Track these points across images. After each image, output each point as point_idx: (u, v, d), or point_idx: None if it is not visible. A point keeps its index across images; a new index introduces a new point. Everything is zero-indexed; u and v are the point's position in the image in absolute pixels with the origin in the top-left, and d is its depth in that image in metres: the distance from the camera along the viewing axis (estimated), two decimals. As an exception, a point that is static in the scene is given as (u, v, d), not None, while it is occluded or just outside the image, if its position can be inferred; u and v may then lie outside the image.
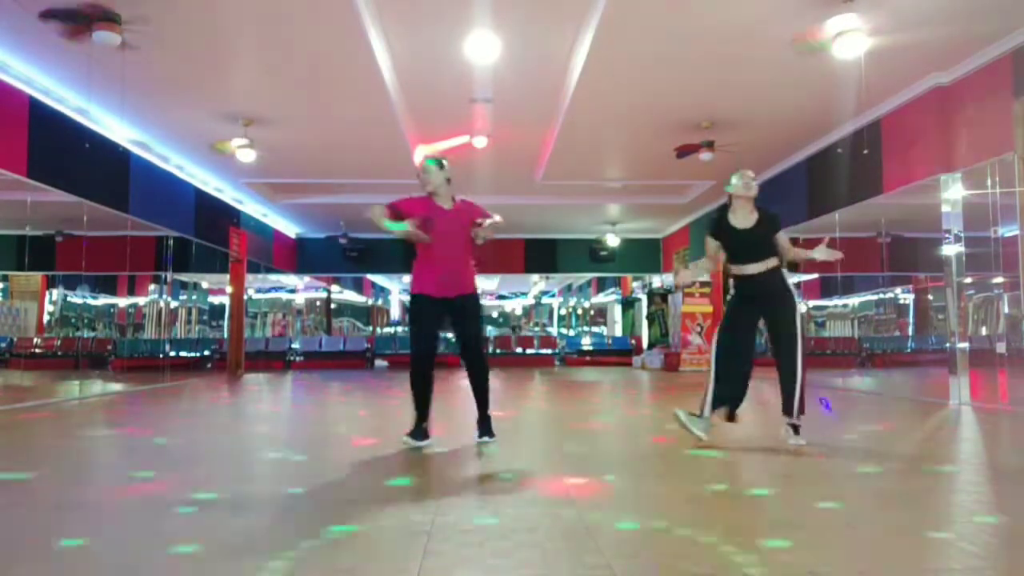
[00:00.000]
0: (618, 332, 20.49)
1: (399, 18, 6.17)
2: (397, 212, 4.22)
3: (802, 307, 4.29)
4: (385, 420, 5.93)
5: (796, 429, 4.18)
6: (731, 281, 4.34)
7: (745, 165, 11.10)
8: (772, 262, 4.23)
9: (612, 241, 16.05)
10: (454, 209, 4.29)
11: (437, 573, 1.95)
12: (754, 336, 4.40)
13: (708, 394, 4.26)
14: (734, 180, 4.33)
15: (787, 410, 4.20)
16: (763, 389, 9.00)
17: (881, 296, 8.91)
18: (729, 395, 4.26)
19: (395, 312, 28.05)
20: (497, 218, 4.23)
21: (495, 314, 31.28)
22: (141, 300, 11.20)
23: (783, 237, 4.30)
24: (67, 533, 2.37)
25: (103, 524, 2.55)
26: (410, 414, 4.20)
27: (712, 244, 4.36)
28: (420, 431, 4.16)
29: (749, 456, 4.01)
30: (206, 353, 13.02)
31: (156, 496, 2.96)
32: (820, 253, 4.34)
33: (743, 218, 4.27)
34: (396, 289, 27.35)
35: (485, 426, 4.31)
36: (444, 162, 4.43)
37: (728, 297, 4.33)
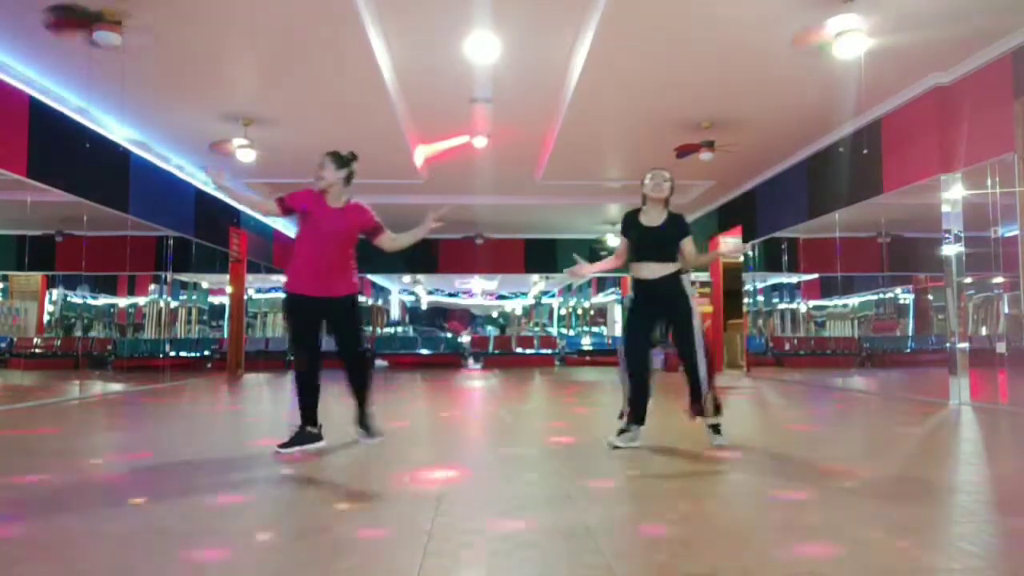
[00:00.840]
0: (618, 332, 20.47)
1: (399, 18, 6.17)
2: (285, 205, 4.14)
3: (698, 309, 4.29)
4: (385, 421, 5.93)
5: (717, 428, 4.21)
6: (631, 283, 4.32)
7: (745, 165, 11.20)
8: (672, 267, 4.20)
9: (612, 241, 16.03)
10: (343, 210, 4.13)
11: (437, 573, 1.95)
12: (651, 343, 4.34)
13: (627, 406, 4.22)
14: (647, 179, 4.31)
15: (696, 410, 4.21)
16: (763, 390, 9.01)
17: (881, 296, 8.89)
18: (641, 404, 4.21)
19: (395, 312, 28.06)
20: (429, 225, 4.17)
21: (495, 314, 31.27)
22: (141, 300, 11.19)
23: (689, 243, 4.26)
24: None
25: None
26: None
27: (621, 242, 4.37)
28: (307, 435, 4.04)
29: (751, 456, 4.01)
30: (206, 353, 13.02)
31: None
32: (726, 249, 4.36)
33: (653, 217, 4.26)
34: (396, 289, 27.37)
35: (366, 426, 4.21)
36: (349, 159, 4.24)
37: (627, 302, 4.29)
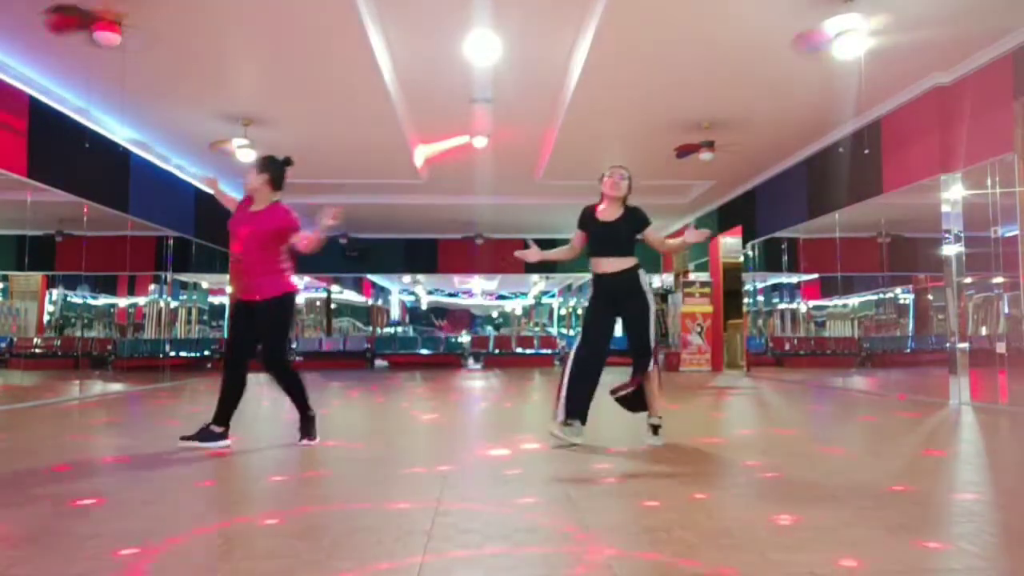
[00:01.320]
0: (618, 332, 20.47)
1: (399, 18, 6.18)
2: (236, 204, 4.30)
3: (654, 308, 4.34)
4: (385, 421, 5.93)
5: (656, 429, 4.25)
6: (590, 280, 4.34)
7: (745, 165, 11.18)
8: (629, 262, 4.22)
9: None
10: (262, 212, 4.15)
11: (437, 573, 1.95)
12: (608, 344, 4.37)
13: (561, 400, 4.21)
14: (604, 176, 4.34)
15: (634, 406, 4.30)
16: (762, 390, 9.01)
17: (881, 296, 8.89)
18: (580, 407, 4.21)
19: (395, 312, 28.05)
20: (323, 228, 4.04)
21: (495, 314, 31.26)
22: (141, 300, 11.19)
23: (651, 232, 4.31)
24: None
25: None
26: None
27: (576, 235, 4.39)
28: (209, 433, 4.07)
29: (750, 456, 4.01)
30: (206, 353, 13.02)
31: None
32: (691, 236, 4.41)
33: (609, 213, 4.29)
34: (396, 289, 27.35)
35: (307, 428, 4.25)
36: (270, 164, 4.25)
37: (589, 299, 4.32)
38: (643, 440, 4.24)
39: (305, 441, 4.24)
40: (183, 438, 4.08)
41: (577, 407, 4.19)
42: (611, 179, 4.29)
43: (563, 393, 4.21)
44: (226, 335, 4.30)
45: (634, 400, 4.34)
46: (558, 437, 4.12)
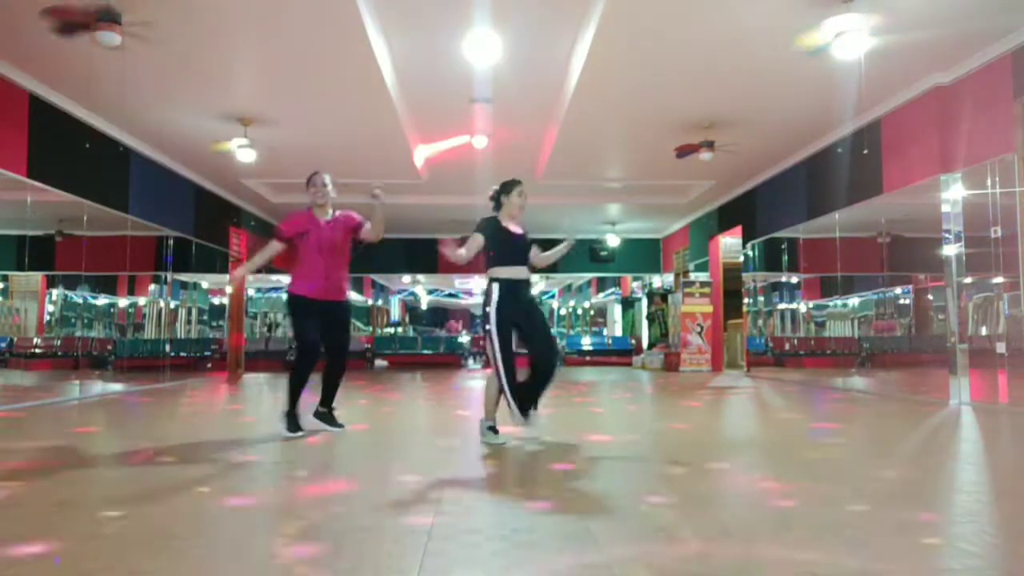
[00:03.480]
0: (618, 332, 20.48)
1: (399, 18, 6.18)
2: (284, 237, 4.71)
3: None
4: (384, 421, 5.93)
5: (494, 429, 4.38)
6: (495, 286, 4.42)
7: (745, 165, 11.17)
8: (529, 271, 4.54)
9: (612, 241, 16.06)
10: (336, 219, 4.72)
11: (437, 573, 1.95)
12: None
13: (512, 402, 4.34)
14: (514, 197, 4.53)
15: (526, 406, 4.38)
16: (762, 389, 9.01)
17: (881, 296, 8.89)
18: (522, 394, 4.39)
19: (395, 312, 28.04)
20: (378, 208, 4.64)
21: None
22: (141, 300, 11.19)
23: (535, 248, 4.62)
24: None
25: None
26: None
27: (477, 241, 4.49)
28: (294, 422, 4.57)
29: (750, 456, 4.01)
30: (206, 353, 13.02)
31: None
32: (554, 253, 4.71)
33: (516, 225, 4.56)
34: (396, 289, 27.35)
35: (328, 417, 4.79)
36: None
37: (493, 304, 4.39)
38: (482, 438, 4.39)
39: (335, 427, 4.77)
40: (289, 429, 4.55)
41: (525, 403, 4.38)
42: (520, 200, 4.55)
43: (512, 399, 4.33)
44: (296, 332, 4.69)
45: (528, 396, 4.41)
46: (494, 439, 4.32)
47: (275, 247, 4.73)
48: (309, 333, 4.58)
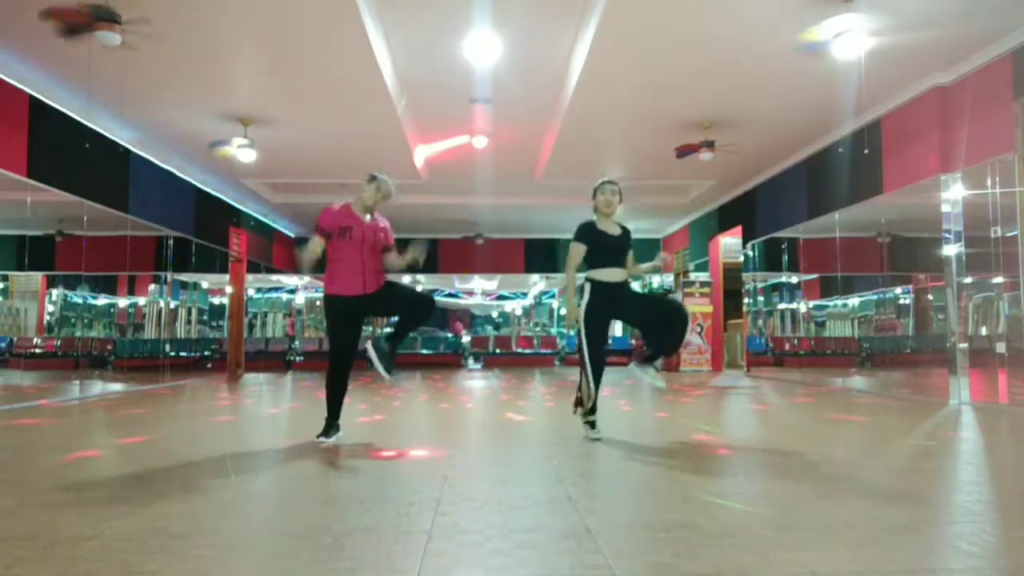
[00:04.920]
0: (618, 332, 20.49)
1: (399, 18, 6.18)
2: (325, 231, 4.49)
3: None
4: (384, 421, 5.93)
5: (593, 424, 4.52)
6: (587, 286, 4.47)
7: (745, 165, 11.17)
8: (626, 273, 4.55)
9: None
10: (375, 223, 4.59)
11: (437, 573, 1.95)
12: (607, 342, 4.75)
13: (594, 398, 4.50)
14: (597, 196, 4.60)
15: (654, 356, 4.60)
16: (762, 389, 9.01)
17: (881, 296, 8.90)
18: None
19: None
20: (406, 258, 4.57)
21: (495, 314, 31.26)
22: (141, 300, 11.18)
23: (630, 254, 4.62)
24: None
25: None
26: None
27: (578, 249, 4.53)
28: (335, 428, 4.48)
29: (750, 456, 4.01)
30: (206, 353, 13.03)
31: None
32: (644, 267, 4.77)
33: (610, 227, 4.57)
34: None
35: (390, 351, 4.58)
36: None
37: (584, 303, 4.45)
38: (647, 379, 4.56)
39: (383, 372, 4.59)
40: (319, 436, 4.42)
41: (594, 403, 4.54)
42: (604, 196, 4.57)
43: (593, 394, 4.47)
44: (330, 339, 4.61)
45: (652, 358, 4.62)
46: (593, 434, 4.46)
47: (319, 242, 4.50)
48: (344, 343, 4.49)
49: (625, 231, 4.63)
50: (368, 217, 4.56)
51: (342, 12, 5.70)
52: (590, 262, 4.52)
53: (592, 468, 3.61)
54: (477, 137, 9.13)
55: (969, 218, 6.84)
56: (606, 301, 4.45)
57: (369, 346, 4.50)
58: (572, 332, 4.58)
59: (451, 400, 7.51)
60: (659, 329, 4.50)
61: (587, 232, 4.55)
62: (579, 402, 4.63)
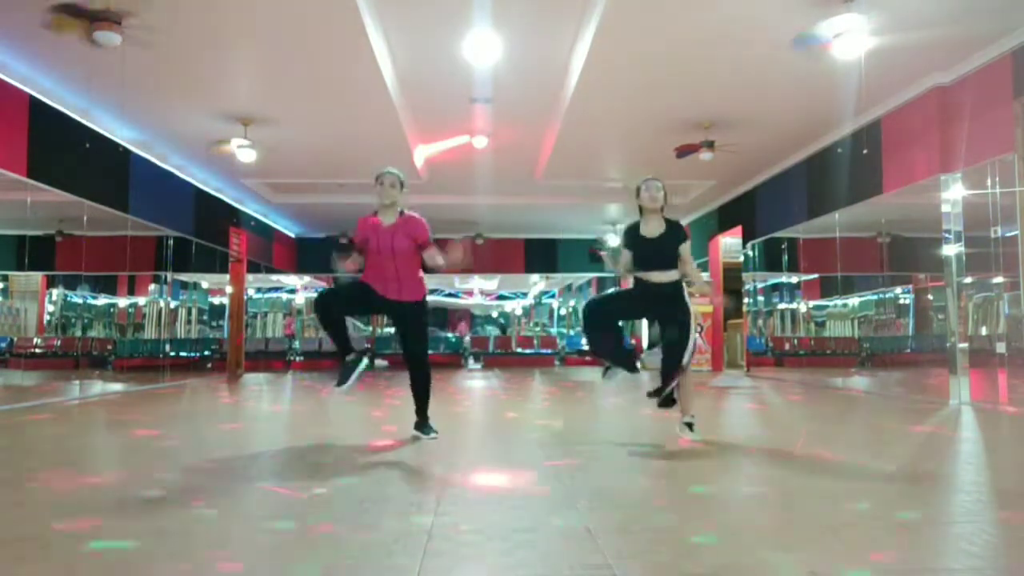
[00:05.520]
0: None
1: (399, 18, 6.18)
2: (360, 246, 4.45)
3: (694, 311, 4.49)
4: (384, 421, 5.92)
5: (691, 426, 4.39)
6: (631, 278, 4.47)
7: (745, 165, 11.18)
8: (674, 275, 4.38)
9: (612, 241, 16.04)
10: (399, 224, 4.40)
11: (437, 573, 1.95)
12: (621, 319, 4.73)
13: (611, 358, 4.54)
14: (641, 191, 4.45)
15: (668, 403, 4.48)
16: (762, 389, 9.01)
17: (881, 296, 8.90)
18: (624, 355, 4.62)
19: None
20: (440, 261, 4.38)
21: (495, 314, 31.27)
22: (141, 300, 11.18)
23: (686, 250, 4.43)
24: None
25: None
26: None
27: (625, 255, 4.47)
28: (347, 367, 4.30)
29: (750, 456, 4.01)
30: (206, 353, 13.02)
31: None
32: (716, 297, 4.72)
33: (652, 228, 4.41)
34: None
35: (423, 424, 4.52)
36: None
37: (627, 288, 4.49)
38: (679, 435, 4.40)
39: (427, 435, 4.46)
40: (337, 385, 4.32)
41: (615, 357, 4.49)
42: (647, 192, 4.42)
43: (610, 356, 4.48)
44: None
45: (668, 398, 4.49)
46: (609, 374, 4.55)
47: (356, 258, 4.51)
48: (344, 290, 4.55)
49: (670, 229, 4.40)
50: (392, 219, 4.40)
51: (342, 12, 5.69)
52: (634, 263, 4.43)
53: (592, 468, 3.61)
54: (477, 137, 9.12)
55: (969, 218, 6.84)
56: (643, 296, 4.39)
57: (353, 358, 4.38)
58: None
59: (451, 400, 7.50)
60: (665, 351, 4.45)
61: (628, 236, 4.47)
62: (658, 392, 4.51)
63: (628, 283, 4.54)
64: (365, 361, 4.37)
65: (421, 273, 4.48)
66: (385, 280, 4.37)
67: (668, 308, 4.38)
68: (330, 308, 4.36)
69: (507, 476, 3.39)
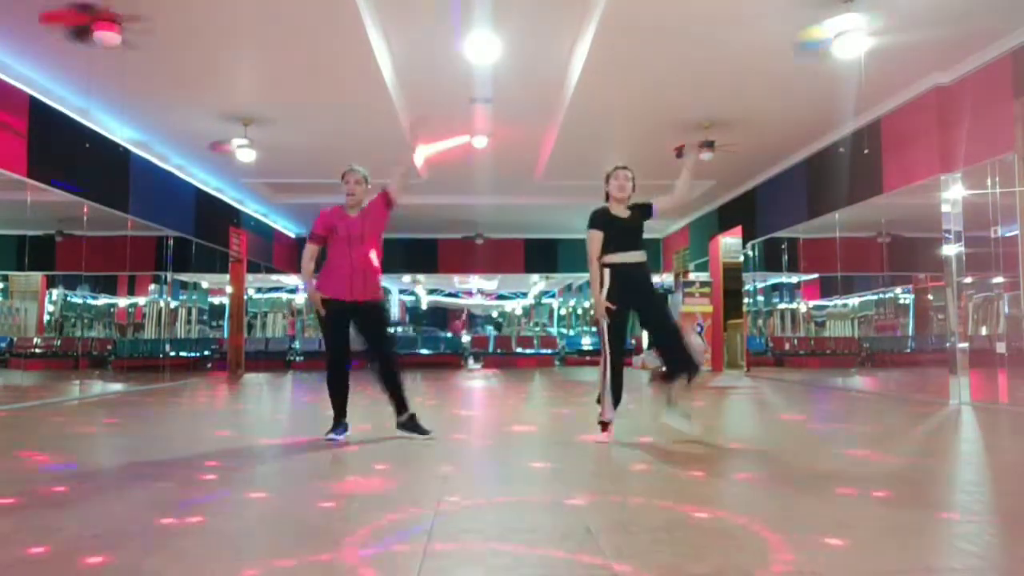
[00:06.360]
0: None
1: (399, 18, 6.18)
2: (319, 237, 4.54)
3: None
4: (384, 422, 5.93)
5: (688, 417, 4.40)
6: (606, 272, 4.39)
7: (745, 165, 11.16)
8: (643, 255, 4.46)
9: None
10: (365, 212, 4.54)
11: (437, 573, 1.95)
12: (627, 334, 4.64)
13: (607, 395, 4.37)
14: (610, 179, 4.55)
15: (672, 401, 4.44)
16: (762, 389, 9.01)
17: (881, 296, 8.90)
18: (621, 395, 4.44)
19: (395, 312, 28.00)
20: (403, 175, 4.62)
21: (495, 314, 31.27)
22: (141, 300, 11.19)
23: (662, 200, 4.59)
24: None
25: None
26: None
27: (595, 236, 4.45)
28: (341, 426, 4.45)
29: (750, 456, 4.01)
30: (206, 353, 13.03)
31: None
32: (689, 161, 4.76)
33: (621, 211, 4.51)
34: (396, 289, 27.33)
35: (411, 424, 4.51)
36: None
37: (604, 292, 4.39)
38: (669, 424, 4.39)
39: (424, 437, 4.48)
40: (327, 435, 4.40)
41: (618, 403, 4.42)
42: (617, 181, 4.51)
43: (611, 397, 4.35)
44: (324, 340, 4.68)
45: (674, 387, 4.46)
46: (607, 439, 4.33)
47: (311, 250, 4.56)
48: (334, 344, 4.50)
49: (636, 209, 4.52)
50: (355, 211, 4.55)
51: (342, 12, 5.69)
52: (606, 248, 4.44)
53: (592, 468, 3.61)
54: (477, 137, 9.12)
55: (969, 218, 6.84)
56: (626, 287, 4.36)
57: (345, 421, 4.50)
58: (597, 326, 4.48)
59: (451, 400, 7.51)
60: (666, 344, 4.42)
61: (601, 218, 4.48)
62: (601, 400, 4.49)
63: (604, 281, 4.38)
64: (347, 433, 4.47)
65: (380, 275, 4.59)
66: (350, 275, 4.40)
67: (645, 291, 4.44)
68: (339, 381, 4.49)
69: (507, 476, 3.39)
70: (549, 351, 17.23)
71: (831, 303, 9.98)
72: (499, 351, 17.10)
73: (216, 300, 13.64)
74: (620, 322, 4.39)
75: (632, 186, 4.52)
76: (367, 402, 6.34)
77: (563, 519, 2.53)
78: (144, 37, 5.86)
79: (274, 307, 18.08)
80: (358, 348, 4.54)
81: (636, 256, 4.41)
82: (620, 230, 4.43)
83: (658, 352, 4.49)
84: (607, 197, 4.56)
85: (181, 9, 5.69)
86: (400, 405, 4.55)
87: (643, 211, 4.54)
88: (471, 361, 16.67)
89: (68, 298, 10.34)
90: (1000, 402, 6.38)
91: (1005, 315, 6.53)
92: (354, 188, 4.52)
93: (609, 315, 4.32)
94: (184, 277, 11.52)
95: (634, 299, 4.40)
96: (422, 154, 10.11)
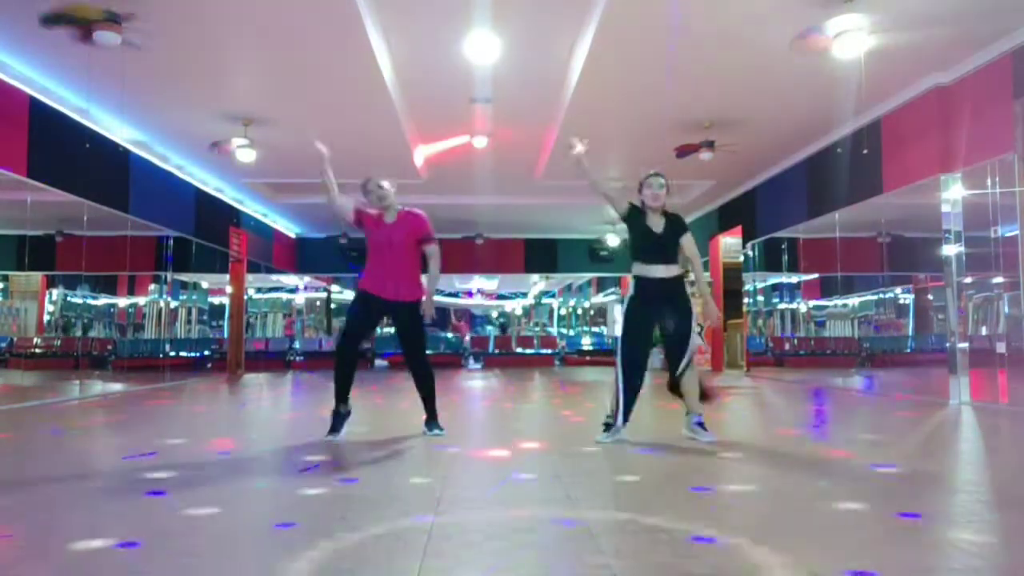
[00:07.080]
0: (618, 332, 20.48)
1: (399, 18, 6.18)
2: (359, 218, 4.63)
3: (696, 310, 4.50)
4: (384, 422, 5.93)
5: (703, 425, 4.38)
6: (631, 281, 4.41)
7: (745, 165, 11.16)
8: (676, 270, 4.38)
9: (612, 241, 16.04)
10: (399, 221, 4.57)
11: (437, 573, 1.95)
12: (650, 345, 4.62)
13: (621, 404, 4.34)
14: (643, 187, 4.43)
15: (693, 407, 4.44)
16: (762, 389, 9.01)
17: (881, 296, 8.90)
18: (632, 404, 4.40)
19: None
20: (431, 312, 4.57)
21: (495, 314, 31.27)
22: (141, 300, 11.18)
23: (688, 241, 4.43)
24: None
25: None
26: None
27: (624, 205, 4.40)
28: (340, 417, 4.50)
29: (750, 455, 4.01)
30: (206, 353, 13.03)
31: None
32: (711, 316, 4.76)
33: (655, 223, 4.39)
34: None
35: (431, 422, 4.71)
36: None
37: (626, 301, 4.40)
38: (690, 437, 4.37)
39: (433, 433, 4.62)
40: (328, 435, 4.46)
41: (629, 412, 4.37)
42: (650, 190, 4.39)
43: (622, 402, 4.33)
44: (347, 317, 4.70)
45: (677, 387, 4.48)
46: (601, 442, 4.29)
47: (346, 205, 4.63)
48: (354, 326, 4.55)
49: (671, 223, 4.40)
50: (392, 217, 4.56)
51: (342, 12, 5.69)
52: (633, 251, 4.39)
53: (592, 468, 3.61)
54: (477, 137, 9.12)
55: (969, 218, 6.83)
56: (651, 299, 4.30)
57: (345, 410, 4.56)
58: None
59: (451, 401, 7.51)
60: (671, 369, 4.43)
61: (636, 213, 4.37)
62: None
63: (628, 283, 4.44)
64: (335, 437, 4.47)
65: (421, 275, 4.62)
66: (384, 278, 4.47)
67: (671, 305, 4.34)
68: (346, 357, 4.52)
69: (507, 476, 3.39)
70: (549, 351, 17.23)
71: (831, 303, 9.98)
72: (499, 351, 17.10)
73: (216, 300, 13.63)
74: (638, 327, 4.33)
75: (666, 192, 4.42)
76: (378, 400, 6.34)
77: (563, 519, 2.53)
78: (144, 37, 5.86)
79: (274, 307, 18.08)
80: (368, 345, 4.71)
81: (659, 271, 4.31)
82: (649, 240, 4.34)
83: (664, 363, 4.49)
84: (641, 205, 4.44)
85: (181, 9, 5.69)
86: (426, 409, 4.73)
87: (676, 228, 4.41)
88: (471, 361, 16.67)
89: (68, 298, 10.34)
90: (1000, 402, 6.38)
91: (1005, 315, 6.53)
92: (383, 194, 4.56)
93: (626, 321, 4.29)
94: (184, 277, 11.52)
95: (657, 313, 4.35)
96: (423, 153, 10.12)
